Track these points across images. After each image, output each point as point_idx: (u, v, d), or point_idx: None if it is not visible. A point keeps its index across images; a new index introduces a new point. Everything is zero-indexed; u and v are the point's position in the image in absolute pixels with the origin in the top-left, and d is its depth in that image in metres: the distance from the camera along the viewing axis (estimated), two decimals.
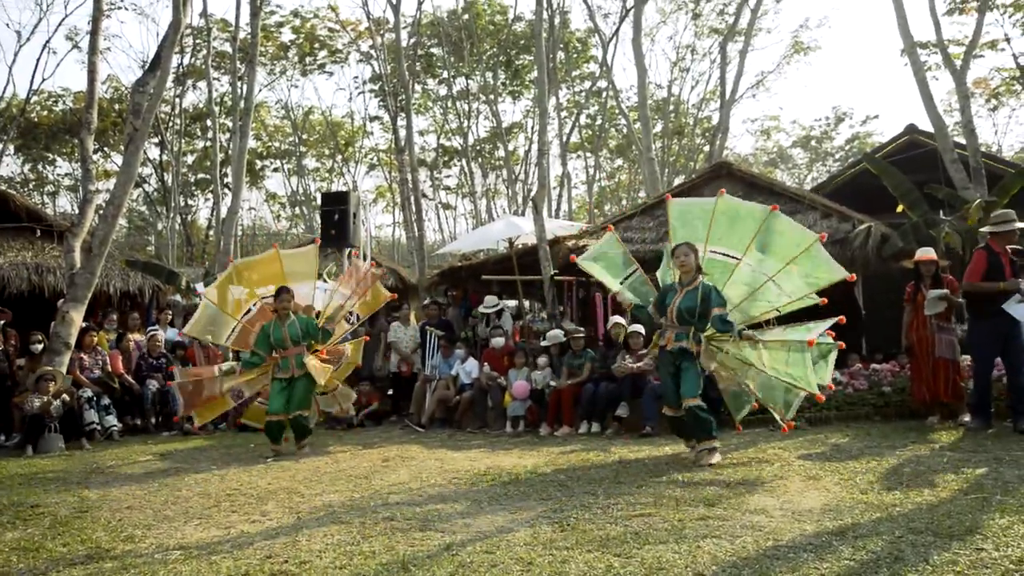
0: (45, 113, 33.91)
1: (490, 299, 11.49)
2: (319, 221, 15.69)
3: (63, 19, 59.26)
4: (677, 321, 6.26)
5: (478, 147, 36.43)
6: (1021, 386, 6.96)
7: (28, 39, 42.46)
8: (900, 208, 11.33)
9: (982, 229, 7.77)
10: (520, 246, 12.65)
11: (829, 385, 6.56)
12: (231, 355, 11.81)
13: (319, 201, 17.07)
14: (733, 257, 6.63)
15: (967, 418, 7.38)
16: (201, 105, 33.71)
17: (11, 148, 34.31)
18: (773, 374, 6.25)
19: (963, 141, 13.47)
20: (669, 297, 6.41)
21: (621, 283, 6.90)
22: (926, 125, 13.83)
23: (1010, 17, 25.64)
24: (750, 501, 4.78)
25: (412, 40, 29.91)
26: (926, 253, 8.03)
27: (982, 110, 32.62)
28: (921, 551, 3.59)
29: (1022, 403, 6.93)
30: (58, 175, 39.11)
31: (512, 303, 12.82)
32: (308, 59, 35.00)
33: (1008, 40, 26.07)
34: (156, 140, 32.49)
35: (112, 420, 9.60)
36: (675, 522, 4.32)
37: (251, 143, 32.08)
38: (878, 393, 8.57)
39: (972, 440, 6.62)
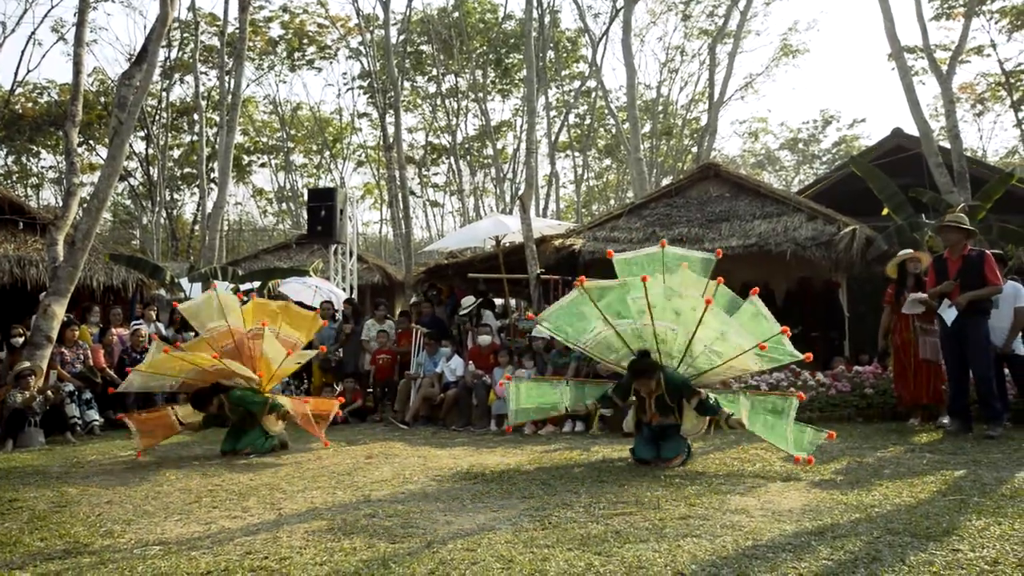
0: (30, 105, 33.64)
1: (467, 300, 11.49)
2: (306, 217, 15.67)
3: (49, 10, 58.93)
4: (659, 413, 6.19)
5: (466, 145, 36.42)
6: (982, 393, 7.04)
7: (13, 30, 41.92)
8: (885, 211, 11.42)
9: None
10: (507, 244, 12.66)
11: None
12: None
13: (306, 197, 17.03)
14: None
15: (945, 420, 7.44)
16: (188, 99, 33.55)
17: None
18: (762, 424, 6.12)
19: (948, 145, 13.59)
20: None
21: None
22: (912, 129, 13.97)
23: (996, 23, 25.96)
24: (731, 501, 4.80)
25: (402, 37, 29.86)
26: (915, 253, 8.11)
27: (967, 115, 33.00)
28: (898, 551, 3.62)
29: (986, 407, 7.00)
30: (42, 167, 38.89)
31: (499, 301, 12.82)
32: (297, 54, 34.92)
33: (994, 46, 26.46)
34: (142, 134, 32.32)
35: (94, 415, 9.52)
36: (656, 521, 4.34)
37: (238, 138, 31.93)
38: (860, 395, 8.62)
39: (951, 442, 6.68)
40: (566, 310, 6.34)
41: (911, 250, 8.28)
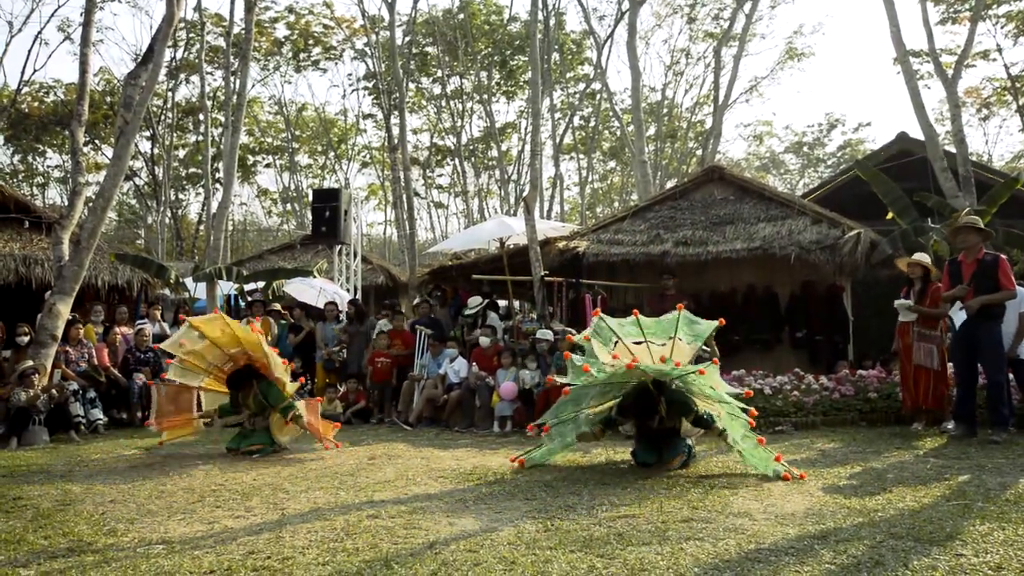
0: (36, 104, 33.71)
1: (473, 300, 11.48)
2: (310, 217, 15.69)
3: (55, 10, 58.86)
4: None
5: (471, 147, 36.44)
6: (992, 397, 7.02)
7: (20, 30, 42.22)
8: (890, 215, 11.40)
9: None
10: (511, 246, 12.66)
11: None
12: None
13: (310, 197, 17.05)
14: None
15: (950, 425, 7.42)
16: (193, 99, 33.62)
17: (1, 139, 34.12)
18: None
19: (953, 150, 13.56)
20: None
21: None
22: (917, 133, 13.94)
23: (1002, 28, 25.88)
24: (734, 504, 4.80)
25: (407, 38, 29.88)
26: (918, 259, 8.06)
27: (973, 120, 32.89)
28: (901, 556, 3.61)
29: (993, 412, 6.99)
30: (48, 167, 38.98)
31: (502, 303, 12.82)
32: (302, 55, 34.95)
33: (1000, 50, 26.30)
34: (148, 134, 32.38)
35: (98, 413, 9.55)
36: (658, 524, 4.34)
37: (243, 138, 31.98)
38: (864, 399, 8.60)
39: (955, 447, 6.66)
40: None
41: (925, 256, 8.16)
